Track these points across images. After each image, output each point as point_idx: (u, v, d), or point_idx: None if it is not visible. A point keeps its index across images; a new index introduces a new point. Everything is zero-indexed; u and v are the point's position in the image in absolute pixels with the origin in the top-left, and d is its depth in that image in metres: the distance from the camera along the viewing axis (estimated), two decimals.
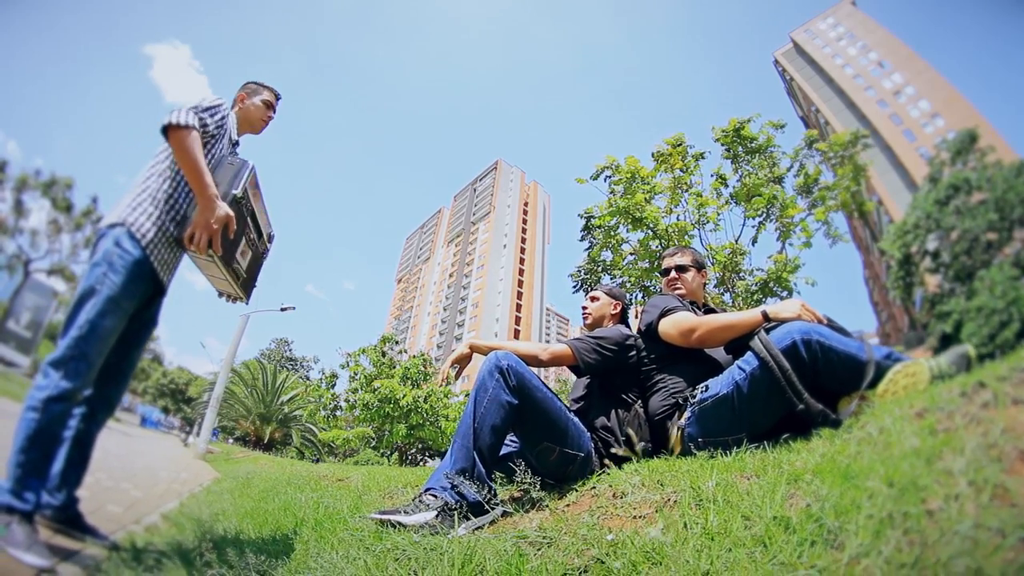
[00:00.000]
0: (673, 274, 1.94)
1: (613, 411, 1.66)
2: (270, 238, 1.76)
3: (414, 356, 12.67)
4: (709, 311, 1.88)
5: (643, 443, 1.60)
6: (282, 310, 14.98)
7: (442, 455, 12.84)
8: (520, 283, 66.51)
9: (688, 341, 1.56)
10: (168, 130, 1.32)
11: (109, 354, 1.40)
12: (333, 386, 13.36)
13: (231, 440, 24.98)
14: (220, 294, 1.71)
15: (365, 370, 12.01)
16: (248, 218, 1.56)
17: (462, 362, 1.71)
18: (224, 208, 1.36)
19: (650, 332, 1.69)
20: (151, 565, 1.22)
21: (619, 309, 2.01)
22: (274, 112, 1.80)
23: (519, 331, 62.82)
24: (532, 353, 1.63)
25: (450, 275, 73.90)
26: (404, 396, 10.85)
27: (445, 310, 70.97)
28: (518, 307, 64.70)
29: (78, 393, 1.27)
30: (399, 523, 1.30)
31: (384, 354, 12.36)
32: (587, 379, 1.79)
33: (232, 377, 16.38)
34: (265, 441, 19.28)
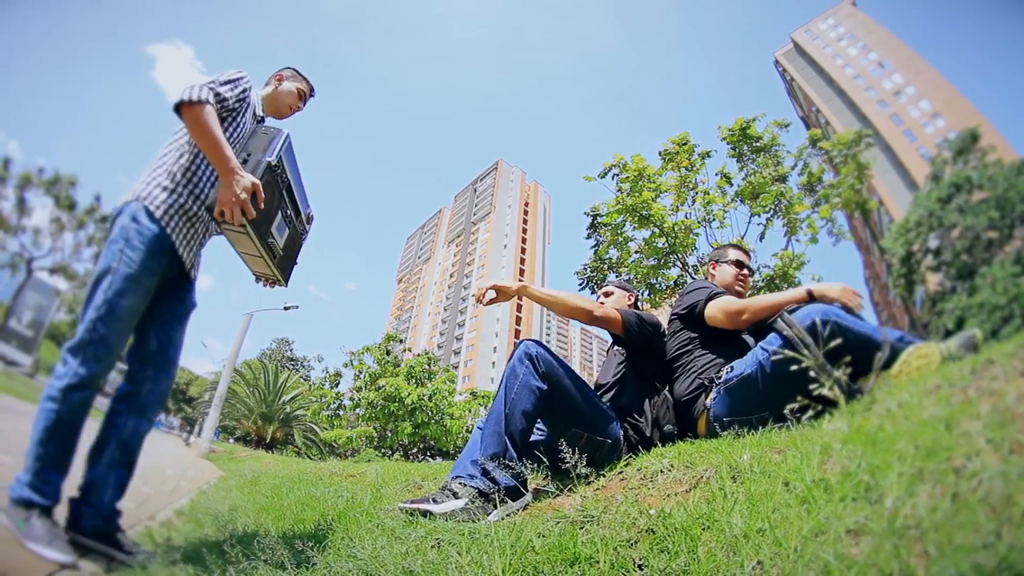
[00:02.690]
0: (745, 272, 1.96)
1: (644, 396, 1.70)
2: (309, 219, 1.68)
3: (419, 354, 12.71)
4: None
5: (670, 426, 1.65)
6: (285, 308, 15.04)
7: (444, 454, 12.90)
8: (520, 282, 66.41)
9: (736, 323, 1.59)
10: (181, 107, 1.25)
11: (151, 343, 1.33)
12: (337, 385, 13.39)
13: (232, 440, 24.97)
14: (257, 278, 1.65)
15: (370, 368, 12.04)
16: (284, 192, 1.47)
17: (502, 293, 1.74)
18: (249, 177, 1.29)
19: (693, 315, 1.72)
20: (178, 559, 1.22)
21: (632, 300, 2.07)
22: (304, 105, 1.73)
23: (520, 331, 62.84)
24: (585, 308, 1.69)
25: (450, 275, 73.91)
26: (409, 394, 10.90)
27: (446, 310, 70.97)
28: (519, 307, 64.69)
29: (98, 379, 1.20)
30: (428, 512, 1.31)
31: (388, 352, 12.39)
32: (618, 363, 1.82)
33: (234, 376, 16.42)
34: (267, 441, 19.31)
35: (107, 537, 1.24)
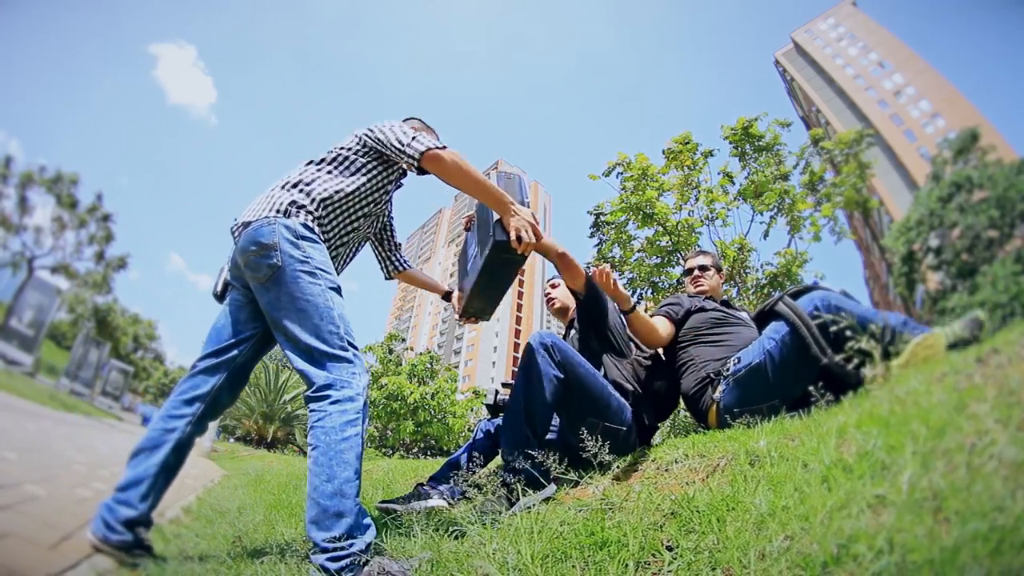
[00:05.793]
0: (696, 272, 2.10)
1: (619, 369, 1.71)
2: None
3: (421, 353, 12.77)
4: (726, 303, 2.01)
5: (658, 382, 1.69)
6: None
7: (446, 453, 12.95)
8: (521, 283, 66.62)
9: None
10: (426, 157, 1.25)
11: (239, 356, 1.30)
12: None
13: (232, 439, 24.93)
14: (464, 314, 1.64)
15: (372, 367, 12.10)
16: None
17: (546, 249, 1.73)
18: (527, 210, 1.31)
19: None
20: (193, 556, 1.23)
21: None
22: None
23: (520, 330, 62.89)
24: (558, 251, 1.75)
25: (451, 275, 73.89)
26: (411, 393, 10.95)
27: (445, 310, 70.95)
28: (519, 307, 64.78)
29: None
30: (435, 507, 1.38)
31: (391, 351, 12.45)
32: (582, 349, 1.84)
33: None
34: (268, 440, 19.31)
35: (137, 545, 1.18)
